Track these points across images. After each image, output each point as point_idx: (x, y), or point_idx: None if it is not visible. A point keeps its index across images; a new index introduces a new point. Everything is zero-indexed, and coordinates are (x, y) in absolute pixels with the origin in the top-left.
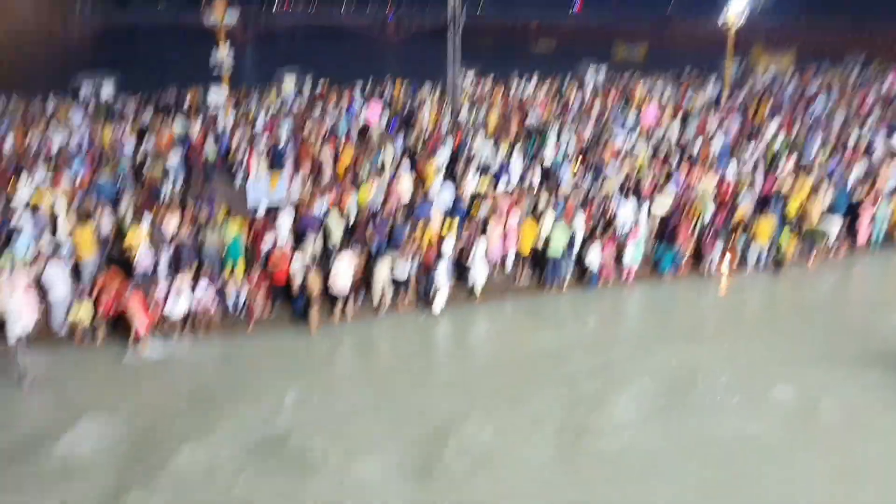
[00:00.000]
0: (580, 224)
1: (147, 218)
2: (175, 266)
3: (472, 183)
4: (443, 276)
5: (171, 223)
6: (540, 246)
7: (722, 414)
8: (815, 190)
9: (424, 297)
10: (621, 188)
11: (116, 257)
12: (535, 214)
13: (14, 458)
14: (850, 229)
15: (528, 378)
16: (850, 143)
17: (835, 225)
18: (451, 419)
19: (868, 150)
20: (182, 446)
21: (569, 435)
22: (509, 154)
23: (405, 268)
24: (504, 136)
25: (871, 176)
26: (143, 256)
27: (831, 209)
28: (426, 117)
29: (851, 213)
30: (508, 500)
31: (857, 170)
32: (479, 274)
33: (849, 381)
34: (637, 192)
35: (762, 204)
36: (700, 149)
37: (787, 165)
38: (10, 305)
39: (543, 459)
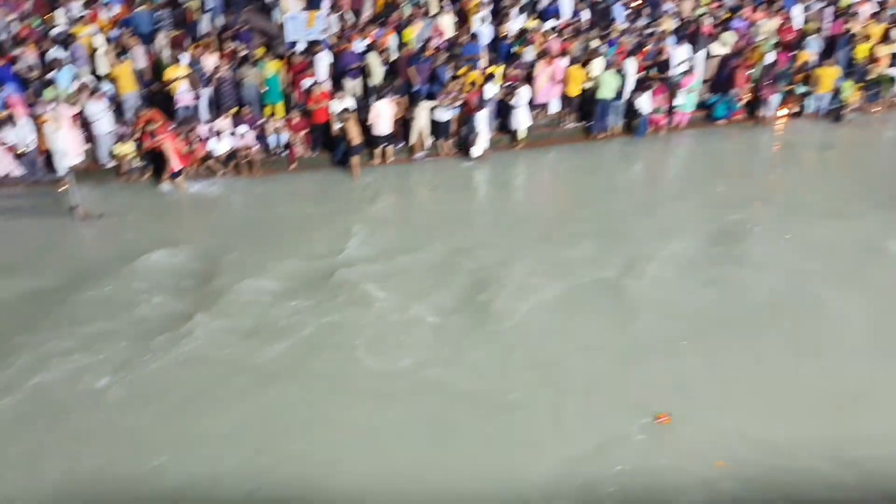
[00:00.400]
0: (632, 68)
1: (185, 55)
2: (217, 105)
3: (518, 21)
4: (484, 121)
5: (209, 60)
6: (588, 90)
7: (773, 259)
8: (886, 35)
9: (466, 142)
10: (678, 29)
11: (157, 93)
12: (585, 56)
13: (79, 286)
14: None
15: (567, 223)
16: None
17: None
18: (498, 261)
19: None
20: (241, 277)
21: (607, 284)
22: None
23: (446, 112)
24: None
25: None
26: (182, 94)
27: None
28: None
29: None
30: (560, 337)
31: None
32: (522, 119)
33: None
34: (694, 35)
35: (829, 48)
36: None
37: (861, 8)
38: (57, 139)
39: (588, 298)
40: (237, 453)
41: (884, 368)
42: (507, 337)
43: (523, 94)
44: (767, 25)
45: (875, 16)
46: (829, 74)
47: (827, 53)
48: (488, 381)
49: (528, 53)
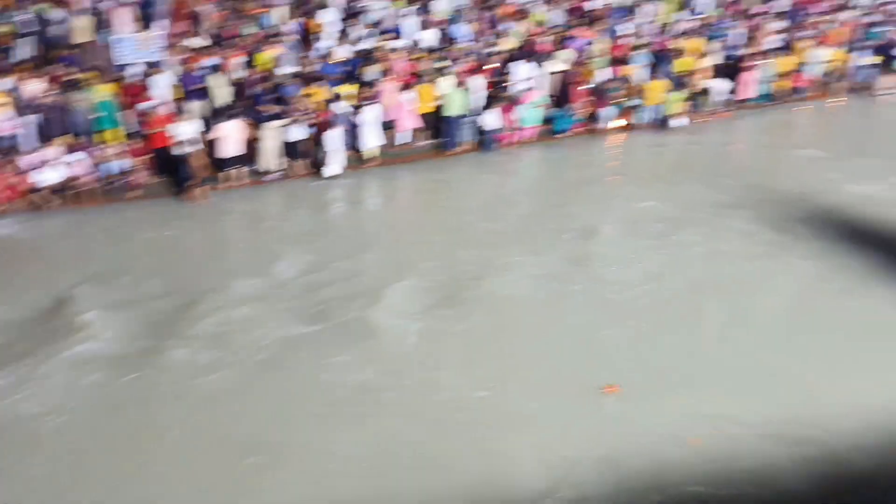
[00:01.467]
0: (477, 86)
1: (6, 80)
2: (44, 133)
3: (365, 41)
4: (335, 141)
5: (32, 86)
6: (437, 109)
7: (627, 263)
8: (703, 49)
9: (317, 163)
10: (518, 48)
11: None
12: (432, 75)
13: None
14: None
15: (420, 240)
16: None
17: (720, 83)
18: (351, 275)
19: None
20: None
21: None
22: (403, 9)
23: (296, 132)
24: None
25: (753, 35)
26: (3, 123)
27: (719, 68)
28: None
29: (735, 72)
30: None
31: (740, 29)
32: (370, 138)
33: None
34: (533, 53)
35: (656, 63)
36: (595, 8)
37: (678, 25)
38: None
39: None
40: None
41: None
42: (390, 347)
43: (368, 112)
44: (600, 44)
45: (692, 33)
46: (656, 87)
47: (655, 66)
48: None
49: (374, 72)
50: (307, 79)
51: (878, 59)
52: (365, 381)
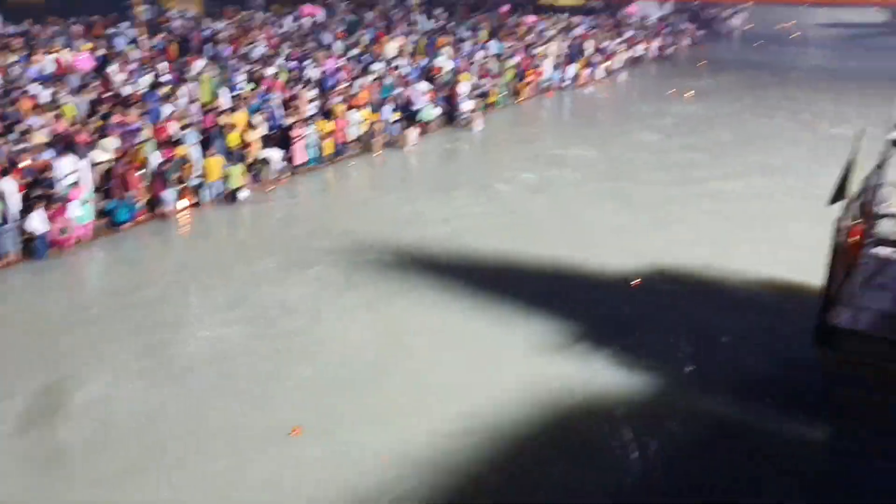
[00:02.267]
0: (9, 188)
1: None
2: None
3: None
4: None
5: None
6: None
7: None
8: (250, 122)
9: None
10: (53, 142)
11: None
12: None
13: None
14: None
15: None
16: (268, 74)
17: (275, 152)
18: None
19: (290, 81)
20: None
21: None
22: None
23: None
24: None
25: (292, 105)
26: None
27: (272, 138)
28: None
29: (287, 140)
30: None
31: (278, 99)
32: None
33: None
34: (72, 145)
35: (208, 140)
36: (130, 93)
37: (221, 101)
38: None
39: None
40: None
41: None
42: None
43: None
44: (146, 128)
45: (236, 108)
46: (214, 163)
47: (206, 145)
48: None
49: None
50: None
51: (398, 115)
52: None
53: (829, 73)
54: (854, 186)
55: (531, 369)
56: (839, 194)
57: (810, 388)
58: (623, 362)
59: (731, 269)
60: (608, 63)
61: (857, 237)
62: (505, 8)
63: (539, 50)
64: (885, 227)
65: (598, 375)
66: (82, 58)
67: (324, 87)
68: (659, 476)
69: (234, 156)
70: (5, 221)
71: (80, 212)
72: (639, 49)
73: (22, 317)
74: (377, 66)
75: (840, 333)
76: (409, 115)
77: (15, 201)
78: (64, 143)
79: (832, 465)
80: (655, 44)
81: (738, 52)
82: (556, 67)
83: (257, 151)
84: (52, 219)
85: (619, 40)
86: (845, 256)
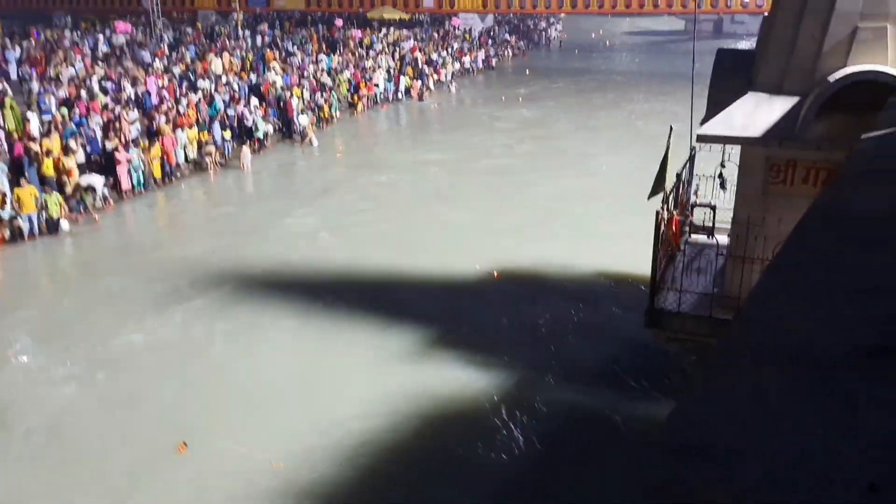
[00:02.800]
0: None
1: None
2: None
3: None
4: None
5: None
6: None
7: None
8: (65, 147)
9: None
10: None
11: None
12: None
13: None
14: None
15: None
16: (84, 95)
17: (96, 178)
18: None
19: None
20: None
21: None
22: None
23: None
24: None
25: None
26: None
27: (94, 163)
28: None
29: (110, 165)
30: None
31: (96, 120)
32: None
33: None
34: None
35: (19, 168)
36: None
37: (30, 127)
38: None
39: None
40: None
41: None
42: None
43: None
44: None
45: (45, 134)
46: (28, 194)
47: (18, 172)
48: None
49: None
50: None
51: (228, 134)
52: None
53: (640, 76)
54: (669, 180)
55: (389, 378)
56: (657, 188)
57: (645, 366)
58: (476, 362)
59: (568, 264)
60: (438, 75)
61: (675, 227)
62: (339, 22)
63: (370, 63)
64: (697, 216)
65: (454, 378)
66: None
67: (146, 108)
68: (526, 474)
69: (50, 184)
70: None
71: None
72: (466, 60)
73: None
74: (204, 84)
75: (667, 315)
76: (241, 133)
77: None
78: None
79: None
80: (481, 55)
81: (559, 60)
82: (388, 80)
83: (77, 178)
84: None
85: (446, 52)
86: (666, 245)
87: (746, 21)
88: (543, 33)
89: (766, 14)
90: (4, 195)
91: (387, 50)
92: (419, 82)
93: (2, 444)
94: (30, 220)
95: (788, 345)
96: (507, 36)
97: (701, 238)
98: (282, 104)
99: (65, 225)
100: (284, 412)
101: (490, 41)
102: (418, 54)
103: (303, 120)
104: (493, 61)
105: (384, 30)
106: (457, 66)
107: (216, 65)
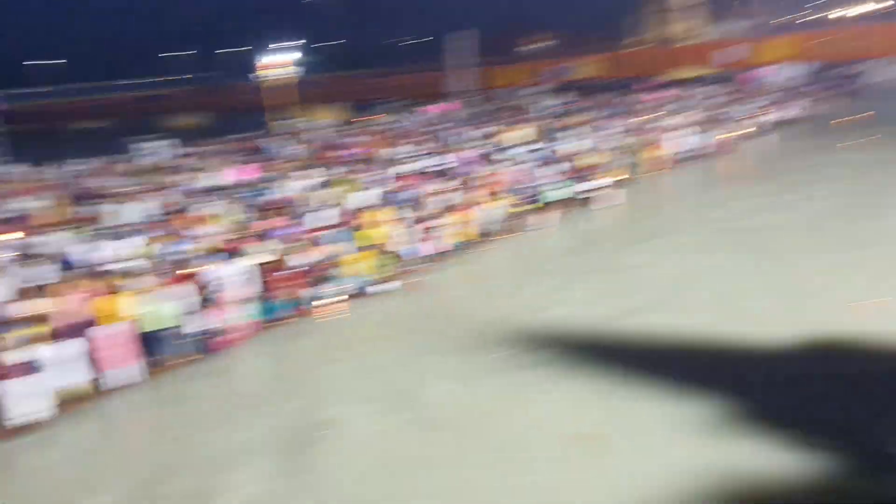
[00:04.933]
0: (182, 293)
1: None
2: None
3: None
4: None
5: None
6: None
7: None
8: (389, 217)
9: None
10: (217, 249)
11: None
12: (118, 291)
13: None
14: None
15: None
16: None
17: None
18: None
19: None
20: None
21: None
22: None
23: None
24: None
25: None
26: None
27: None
28: None
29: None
30: None
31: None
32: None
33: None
34: (235, 251)
35: (347, 237)
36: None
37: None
38: None
39: None
40: None
41: None
42: None
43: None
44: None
45: (376, 207)
46: (355, 260)
47: (346, 242)
48: None
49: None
50: None
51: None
52: None
53: None
54: None
55: (697, 451)
56: None
57: None
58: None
59: None
60: (747, 128)
61: None
62: (647, 85)
63: (671, 122)
64: None
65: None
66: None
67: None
68: None
69: (373, 250)
70: (175, 326)
71: (243, 311)
72: (779, 112)
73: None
74: (511, 152)
75: None
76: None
77: (187, 304)
78: (227, 250)
79: None
80: (794, 105)
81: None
82: (694, 135)
83: (394, 245)
84: (217, 319)
85: (755, 104)
86: None
87: None
88: (859, 78)
89: None
90: (342, 261)
91: (692, 107)
92: (728, 137)
93: None
94: (356, 282)
95: None
96: (815, 85)
97: None
98: (584, 168)
99: (390, 286)
100: None
101: (802, 89)
102: (726, 108)
103: (604, 182)
104: (806, 112)
105: (685, 88)
106: (769, 118)
107: (514, 135)
